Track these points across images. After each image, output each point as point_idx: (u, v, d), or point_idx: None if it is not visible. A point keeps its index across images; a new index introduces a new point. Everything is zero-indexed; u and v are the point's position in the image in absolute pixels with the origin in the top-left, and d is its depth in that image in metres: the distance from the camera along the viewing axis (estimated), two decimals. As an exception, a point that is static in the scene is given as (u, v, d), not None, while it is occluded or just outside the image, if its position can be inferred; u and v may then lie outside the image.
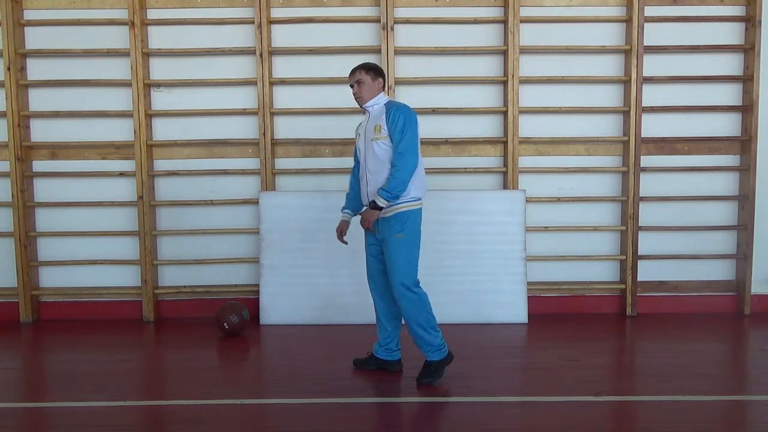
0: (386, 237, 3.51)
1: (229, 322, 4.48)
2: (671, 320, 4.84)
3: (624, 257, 4.98)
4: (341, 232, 3.74)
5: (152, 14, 4.89)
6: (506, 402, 3.34)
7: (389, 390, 3.48)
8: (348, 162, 4.90)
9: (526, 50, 4.87)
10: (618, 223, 5.07)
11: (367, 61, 3.69)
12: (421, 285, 3.54)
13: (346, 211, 3.77)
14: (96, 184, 5.00)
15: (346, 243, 3.75)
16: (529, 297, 4.83)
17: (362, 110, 3.63)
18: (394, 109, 3.46)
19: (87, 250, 5.03)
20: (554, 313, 4.98)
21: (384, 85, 3.63)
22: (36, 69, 4.93)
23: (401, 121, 3.42)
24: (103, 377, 3.74)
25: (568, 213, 5.04)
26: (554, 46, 4.90)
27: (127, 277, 5.07)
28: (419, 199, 3.54)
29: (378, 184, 3.49)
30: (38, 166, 5.00)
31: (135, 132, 4.85)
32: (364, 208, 3.56)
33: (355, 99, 3.59)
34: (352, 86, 3.57)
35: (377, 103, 3.56)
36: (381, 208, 3.46)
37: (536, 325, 4.71)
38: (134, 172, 4.89)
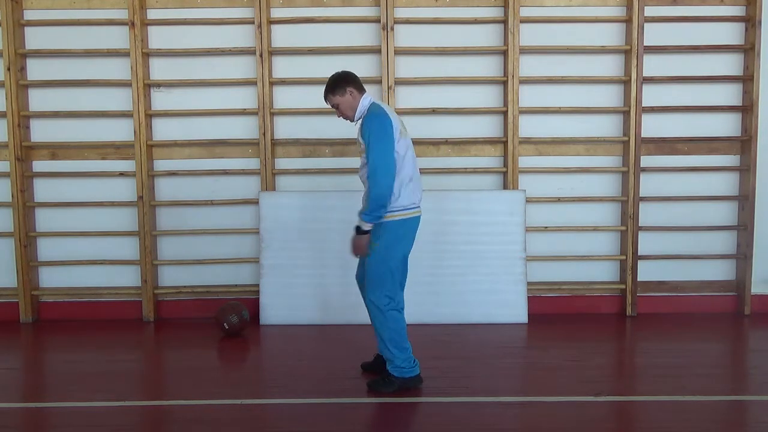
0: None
1: (229, 322, 4.48)
2: (671, 320, 4.84)
3: (624, 257, 4.97)
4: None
5: (152, 14, 4.89)
6: (506, 402, 3.34)
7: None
8: (347, 162, 4.91)
9: (526, 50, 4.87)
10: (618, 223, 5.07)
11: (328, 80, 3.43)
12: (395, 303, 3.38)
13: None
14: (96, 184, 5.00)
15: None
16: (529, 297, 4.83)
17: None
18: (364, 123, 3.31)
19: (87, 250, 5.03)
20: (554, 313, 4.98)
21: (358, 88, 3.40)
22: (36, 69, 4.92)
23: (367, 136, 3.25)
24: (103, 377, 3.75)
25: (568, 213, 5.04)
26: (554, 46, 4.90)
27: (127, 277, 5.07)
28: (402, 210, 3.34)
29: (366, 194, 3.38)
30: (38, 166, 5.00)
31: (135, 132, 4.85)
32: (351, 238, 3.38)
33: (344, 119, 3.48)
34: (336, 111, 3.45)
35: (361, 111, 3.39)
36: (366, 232, 3.29)
37: (536, 325, 4.71)
38: (134, 172, 4.89)
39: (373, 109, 3.34)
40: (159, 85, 4.93)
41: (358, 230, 3.31)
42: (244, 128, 4.98)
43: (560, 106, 4.92)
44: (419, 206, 3.46)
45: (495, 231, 4.76)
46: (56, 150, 4.98)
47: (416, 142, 4.68)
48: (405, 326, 3.45)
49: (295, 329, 4.65)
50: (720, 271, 5.10)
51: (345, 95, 3.38)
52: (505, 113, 4.91)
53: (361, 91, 3.43)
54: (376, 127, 3.26)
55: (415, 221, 3.44)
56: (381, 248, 3.35)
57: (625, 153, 4.96)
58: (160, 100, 4.96)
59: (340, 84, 3.38)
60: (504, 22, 4.85)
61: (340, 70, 3.47)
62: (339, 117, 3.48)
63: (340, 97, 3.38)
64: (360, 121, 3.38)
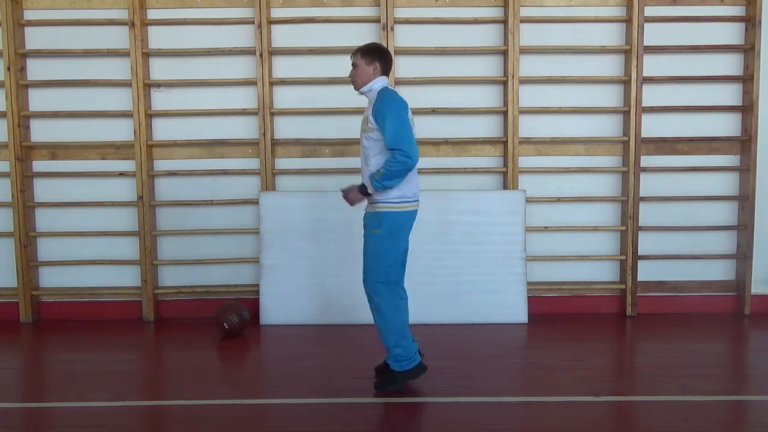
0: (365, 231, 3.47)
1: (229, 322, 4.48)
2: (671, 320, 4.84)
3: (624, 257, 4.97)
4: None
5: (152, 14, 4.89)
6: (506, 402, 3.34)
7: (389, 390, 3.47)
8: (347, 162, 4.91)
9: (526, 50, 4.87)
10: (618, 223, 5.07)
11: (369, 43, 3.56)
12: (392, 288, 3.42)
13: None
14: (96, 184, 5.00)
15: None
16: (529, 297, 4.83)
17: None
18: (380, 102, 3.34)
19: (87, 250, 5.02)
20: (554, 313, 4.97)
21: (383, 69, 3.45)
22: (36, 69, 4.92)
23: (384, 114, 3.29)
24: (103, 377, 3.75)
25: (568, 213, 5.04)
26: (554, 46, 4.89)
27: (127, 277, 5.06)
28: (401, 202, 3.38)
29: (366, 177, 3.42)
30: (38, 166, 5.00)
31: (135, 132, 4.85)
32: (349, 186, 3.49)
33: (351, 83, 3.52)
34: None
35: (371, 89, 3.43)
36: (369, 195, 3.39)
37: (536, 325, 4.71)
38: (134, 172, 4.89)
39: (390, 92, 3.40)
40: (159, 85, 4.93)
41: (362, 189, 3.38)
42: (244, 128, 4.97)
43: (560, 106, 4.92)
44: (419, 199, 3.52)
45: (495, 231, 4.76)
46: (56, 150, 4.98)
47: (416, 142, 4.68)
48: (406, 314, 3.47)
49: (295, 329, 4.65)
50: (720, 271, 5.10)
51: (369, 65, 3.43)
52: (505, 113, 4.91)
53: (384, 74, 3.47)
54: (395, 107, 3.32)
55: (415, 213, 3.50)
56: (384, 238, 3.38)
57: (625, 153, 4.96)
58: (160, 100, 4.96)
59: (373, 54, 3.44)
60: (504, 22, 4.85)
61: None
62: (348, 76, 3.51)
63: (364, 63, 3.43)
64: (373, 102, 3.40)
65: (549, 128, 4.97)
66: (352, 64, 3.47)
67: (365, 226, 3.48)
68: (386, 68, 3.49)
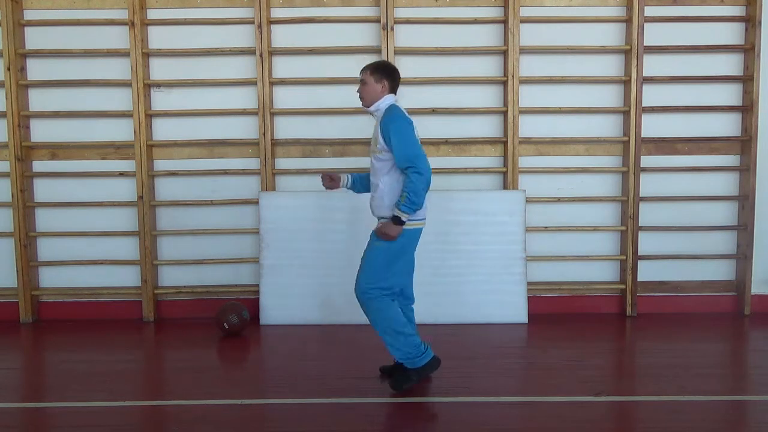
0: (370, 239, 3.47)
1: (229, 322, 4.48)
2: (671, 320, 4.84)
3: (624, 257, 4.97)
4: (330, 176, 3.64)
5: (152, 14, 4.89)
6: (506, 402, 3.34)
7: (389, 390, 3.47)
8: (347, 162, 4.92)
9: (526, 50, 4.87)
10: (618, 223, 5.07)
11: (379, 60, 3.60)
12: (385, 296, 3.40)
13: (350, 176, 3.72)
14: (96, 184, 5.00)
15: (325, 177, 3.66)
16: (529, 297, 4.83)
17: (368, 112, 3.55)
18: (387, 122, 3.32)
19: (87, 250, 5.03)
20: (554, 313, 4.98)
21: (392, 87, 3.46)
22: (36, 69, 4.92)
23: (391, 134, 3.28)
24: (103, 377, 3.75)
25: (568, 213, 5.04)
26: (554, 46, 4.90)
27: (127, 277, 5.06)
28: (408, 220, 3.33)
29: (376, 197, 3.42)
30: (38, 166, 5.00)
31: (135, 132, 4.85)
32: (381, 223, 3.40)
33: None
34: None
35: (379, 108, 3.44)
36: (403, 223, 3.30)
37: (536, 325, 4.71)
38: (134, 172, 4.89)
39: (397, 111, 3.39)
40: (159, 85, 4.93)
41: (396, 220, 3.31)
42: (244, 128, 4.97)
43: (560, 106, 4.92)
44: (425, 217, 3.49)
45: (495, 231, 4.76)
46: (56, 150, 4.98)
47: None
48: (398, 312, 3.43)
49: (295, 329, 4.65)
50: (720, 271, 5.10)
51: (377, 83, 3.44)
52: (505, 113, 4.91)
53: (392, 91, 3.48)
54: (403, 126, 3.31)
55: (421, 231, 3.48)
56: (386, 252, 3.37)
57: (625, 153, 4.96)
58: (160, 100, 4.96)
59: (382, 72, 3.45)
60: (504, 22, 4.85)
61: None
62: (357, 92, 3.52)
63: (373, 80, 3.44)
64: (379, 121, 3.40)
65: (549, 128, 4.97)
66: (361, 80, 3.47)
67: (371, 235, 3.47)
68: (394, 86, 3.49)
